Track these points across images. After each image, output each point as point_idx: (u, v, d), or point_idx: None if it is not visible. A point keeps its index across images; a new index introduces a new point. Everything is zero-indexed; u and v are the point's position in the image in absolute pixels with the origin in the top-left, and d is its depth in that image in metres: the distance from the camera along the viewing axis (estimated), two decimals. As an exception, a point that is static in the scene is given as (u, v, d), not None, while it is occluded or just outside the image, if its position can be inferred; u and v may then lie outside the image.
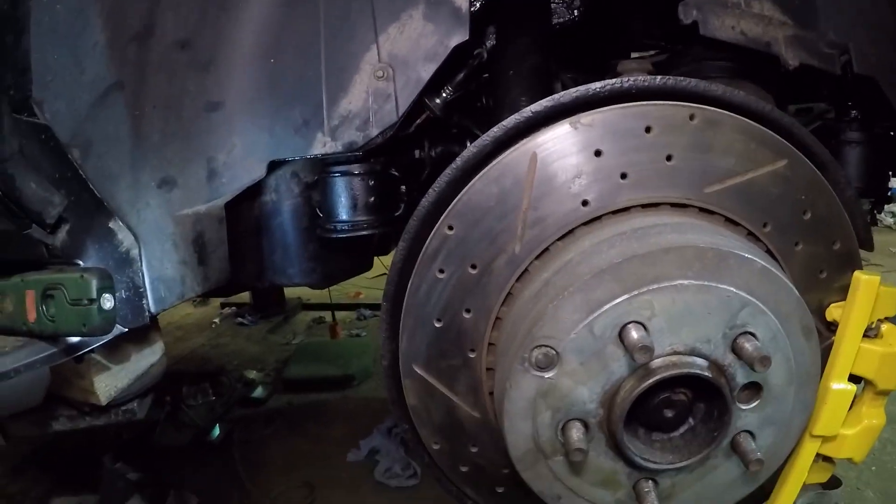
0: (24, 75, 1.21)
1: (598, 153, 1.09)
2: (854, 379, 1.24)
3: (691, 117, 1.10)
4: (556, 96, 1.09)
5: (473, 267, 1.14)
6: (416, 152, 1.61)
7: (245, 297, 5.86)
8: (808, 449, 1.25)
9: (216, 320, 5.96)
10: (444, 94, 1.47)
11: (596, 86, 1.09)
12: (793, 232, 1.16)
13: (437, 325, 1.18)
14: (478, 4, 1.38)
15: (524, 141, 1.11)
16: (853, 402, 1.28)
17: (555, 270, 1.07)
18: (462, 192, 1.13)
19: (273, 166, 1.44)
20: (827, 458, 1.32)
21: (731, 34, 1.35)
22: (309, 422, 3.90)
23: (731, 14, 1.36)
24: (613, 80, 1.09)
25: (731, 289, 1.01)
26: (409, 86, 1.35)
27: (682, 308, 1.01)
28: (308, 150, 1.40)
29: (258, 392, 4.13)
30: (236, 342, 5.42)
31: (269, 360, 4.92)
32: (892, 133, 1.62)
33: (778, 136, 1.14)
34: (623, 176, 1.10)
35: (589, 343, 1.02)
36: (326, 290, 5.16)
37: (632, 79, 1.09)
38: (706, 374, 1.03)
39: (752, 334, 1.04)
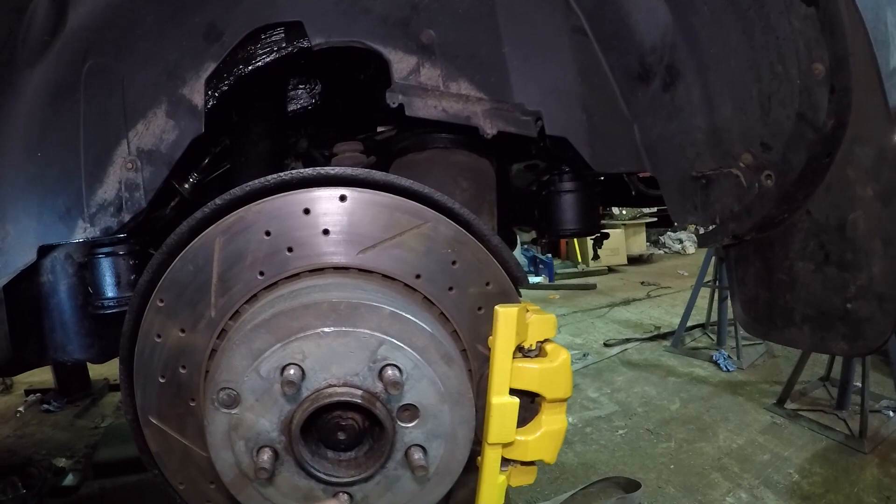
0: None
1: (267, 233, 1.56)
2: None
3: (342, 198, 1.57)
4: (232, 190, 1.56)
5: (182, 331, 1.58)
6: (177, 231, 2.08)
7: (50, 381, 6.20)
8: (490, 455, 1.65)
9: (21, 409, 6.29)
10: (191, 180, 1.95)
11: (263, 179, 1.56)
12: (444, 280, 1.63)
13: (162, 380, 1.60)
14: (213, 101, 1.82)
15: (213, 226, 1.56)
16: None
17: (235, 328, 1.56)
18: (167, 271, 1.56)
19: (45, 250, 1.81)
20: (525, 463, 1.80)
21: (433, 112, 1.81)
22: (123, 505, 4.24)
23: (432, 95, 1.81)
24: (278, 175, 1.56)
25: (366, 331, 1.45)
26: (154, 176, 1.76)
27: (328, 350, 1.46)
28: (70, 235, 1.78)
29: (69, 480, 4.45)
30: (43, 430, 5.76)
31: (79, 445, 5.27)
32: (599, 178, 2.14)
33: (420, 205, 1.60)
34: (290, 249, 1.57)
35: (259, 384, 1.46)
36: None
37: (292, 172, 1.56)
38: (356, 400, 1.48)
39: (395, 365, 1.52)
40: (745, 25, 1.62)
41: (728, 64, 1.70)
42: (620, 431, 5.75)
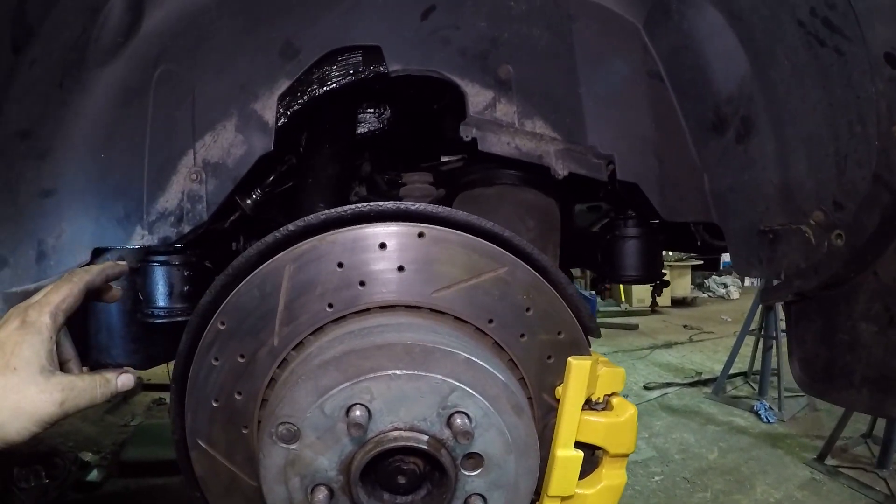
0: None
1: (340, 265, 1.48)
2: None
3: (420, 235, 1.49)
4: (308, 217, 1.47)
5: (242, 356, 1.49)
6: (234, 245, 2.01)
7: (83, 372, 6.03)
8: (549, 507, 1.64)
9: (50, 398, 6.14)
10: (254, 196, 1.88)
11: (340, 209, 1.48)
12: (517, 326, 1.55)
13: (215, 404, 1.51)
14: (284, 119, 1.75)
15: (283, 253, 1.47)
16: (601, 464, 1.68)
17: (300, 361, 1.47)
18: (231, 294, 1.48)
19: (98, 252, 1.75)
20: (578, 516, 1.72)
21: (506, 149, 1.74)
22: (146, 508, 4.06)
23: (506, 132, 1.75)
24: (355, 205, 1.48)
25: (439, 376, 1.38)
26: (218, 189, 1.70)
27: (398, 393, 1.38)
28: (127, 241, 1.73)
29: (93, 475, 4.32)
30: (71, 422, 5.55)
31: (106, 441, 5.19)
32: (661, 226, 2.07)
33: (498, 248, 1.52)
34: (361, 283, 1.48)
35: (322, 421, 1.38)
36: (167, 370, 5.63)
37: (371, 204, 1.49)
38: (422, 446, 1.40)
39: (465, 413, 1.44)
40: (826, 82, 1.55)
41: (805, 120, 1.64)
42: (657, 478, 5.63)
